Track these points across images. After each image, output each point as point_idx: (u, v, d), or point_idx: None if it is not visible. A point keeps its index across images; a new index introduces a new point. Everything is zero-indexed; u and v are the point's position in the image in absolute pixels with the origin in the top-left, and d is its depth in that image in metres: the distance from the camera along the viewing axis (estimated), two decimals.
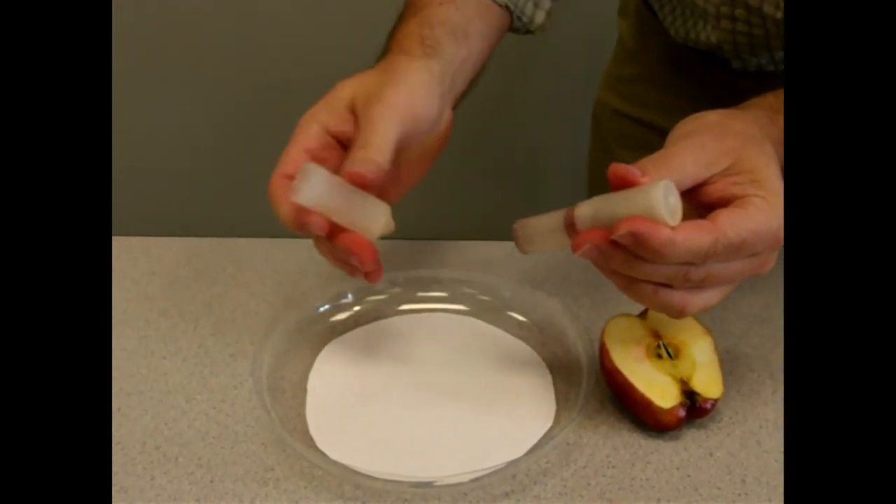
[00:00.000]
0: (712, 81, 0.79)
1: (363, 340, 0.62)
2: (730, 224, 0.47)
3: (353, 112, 0.56)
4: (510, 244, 0.72)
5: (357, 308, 0.64)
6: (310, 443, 0.54)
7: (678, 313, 0.51)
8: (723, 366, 0.57)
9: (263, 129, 1.41)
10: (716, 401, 0.55)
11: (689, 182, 0.49)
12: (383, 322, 0.64)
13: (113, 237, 0.73)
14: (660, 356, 0.56)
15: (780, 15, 0.67)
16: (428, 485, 0.50)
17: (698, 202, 0.51)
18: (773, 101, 0.56)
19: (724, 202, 0.49)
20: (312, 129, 0.57)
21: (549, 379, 0.59)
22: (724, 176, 0.50)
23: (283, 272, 0.70)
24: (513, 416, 0.56)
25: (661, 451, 0.54)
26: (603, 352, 0.56)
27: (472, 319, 0.64)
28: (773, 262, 0.51)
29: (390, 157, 0.53)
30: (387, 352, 0.61)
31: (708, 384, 0.55)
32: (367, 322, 0.64)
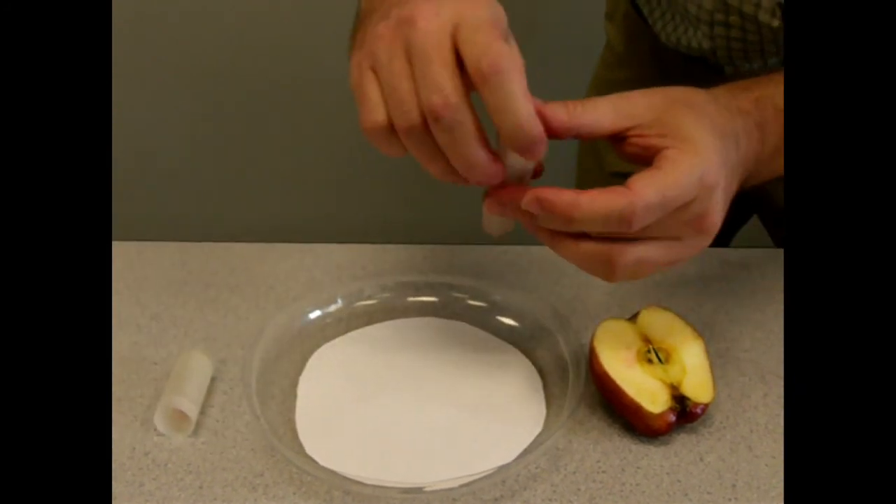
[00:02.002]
0: (703, 87, 0.79)
1: (353, 346, 0.62)
2: (644, 184, 0.46)
3: None
4: (500, 248, 0.72)
5: (347, 313, 0.64)
6: (299, 448, 0.54)
7: (608, 267, 0.48)
8: (714, 369, 0.57)
9: (257, 134, 1.42)
10: (706, 405, 0.55)
11: (605, 126, 0.49)
12: (373, 327, 0.63)
13: None
14: (650, 361, 0.56)
15: (776, 23, 0.67)
16: (417, 490, 0.50)
17: (625, 154, 0.50)
18: (749, 104, 0.55)
19: (645, 155, 0.49)
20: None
21: (539, 384, 0.59)
22: (646, 128, 0.49)
23: (274, 277, 0.70)
24: (502, 420, 0.56)
25: (651, 456, 0.54)
26: (593, 356, 0.56)
27: (462, 324, 0.63)
28: (717, 214, 0.49)
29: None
30: (377, 357, 0.61)
31: (698, 389, 0.55)
32: (358, 327, 0.63)
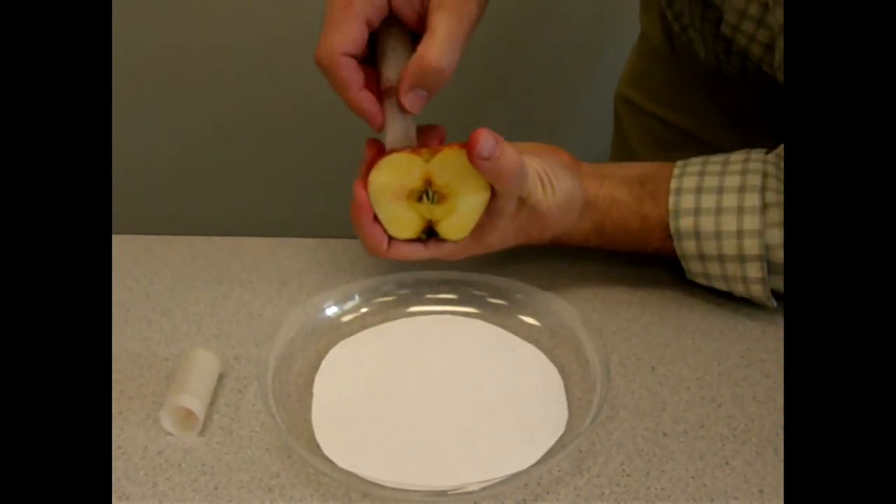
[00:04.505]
0: (732, 87, 0.78)
1: (370, 343, 0.61)
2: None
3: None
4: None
5: (364, 310, 0.63)
6: (316, 449, 0.53)
7: None
8: (735, 370, 0.55)
9: (270, 128, 1.40)
10: (456, 242, 0.60)
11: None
12: (391, 324, 0.62)
13: (116, 235, 0.72)
14: (420, 199, 0.58)
15: (780, 76, 0.66)
16: (440, 494, 0.48)
17: None
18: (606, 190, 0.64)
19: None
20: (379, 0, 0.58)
21: (560, 384, 0.57)
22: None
23: (288, 272, 0.69)
24: (524, 422, 0.54)
25: (676, 459, 0.53)
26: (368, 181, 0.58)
27: (482, 322, 0.62)
28: (495, 227, 0.60)
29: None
30: (394, 355, 0.60)
31: (453, 229, 0.59)
32: (375, 324, 0.62)
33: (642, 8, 0.88)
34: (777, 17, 0.60)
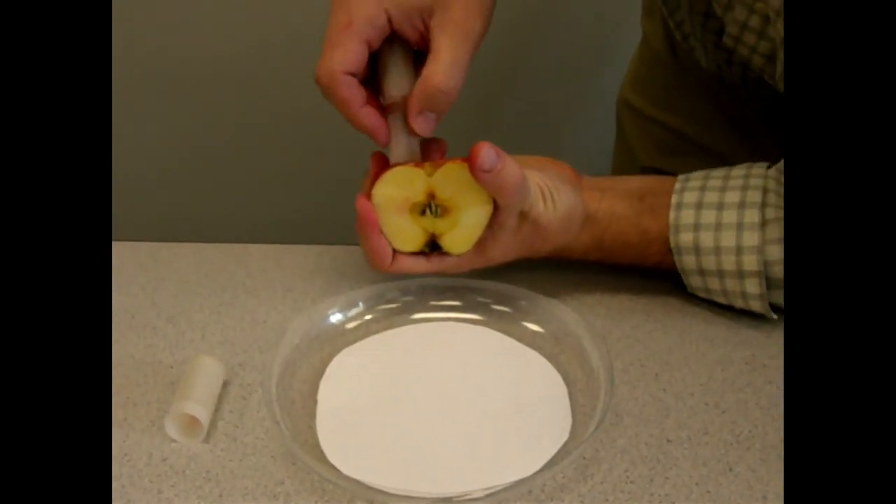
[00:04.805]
0: (734, 93, 0.78)
1: (374, 350, 0.61)
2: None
3: (422, 18, 0.58)
4: None
5: (368, 317, 0.63)
6: (320, 456, 0.53)
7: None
8: (738, 375, 0.55)
9: (275, 133, 1.40)
10: (459, 255, 0.60)
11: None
12: (395, 331, 0.62)
13: (121, 242, 0.72)
14: (423, 213, 0.58)
15: (781, 86, 0.66)
16: (446, 500, 0.48)
17: None
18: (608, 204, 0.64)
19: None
20: (379, 20, 0.58)
21: (564, 391, 0.57)
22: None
23: (293, 279, 0.69)
24: (527, 428, 0.54)
25: (680, 465, 0.53)
26: (371, 191, 0.58)
27: (486, 329, 0.62)
28: (497, 240, 0.60)
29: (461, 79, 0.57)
30: (399, 362, 0.60)
31: (456, 242, 0.59)
32: (379, 331, 0.62)
33: (644, 12, 0.88)
34: (778, 29, 0.60)
